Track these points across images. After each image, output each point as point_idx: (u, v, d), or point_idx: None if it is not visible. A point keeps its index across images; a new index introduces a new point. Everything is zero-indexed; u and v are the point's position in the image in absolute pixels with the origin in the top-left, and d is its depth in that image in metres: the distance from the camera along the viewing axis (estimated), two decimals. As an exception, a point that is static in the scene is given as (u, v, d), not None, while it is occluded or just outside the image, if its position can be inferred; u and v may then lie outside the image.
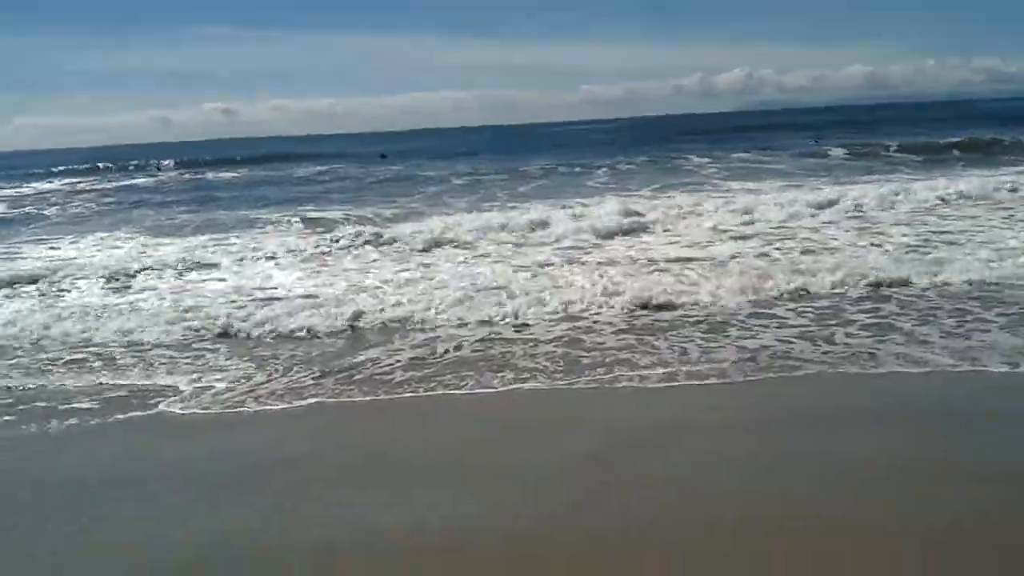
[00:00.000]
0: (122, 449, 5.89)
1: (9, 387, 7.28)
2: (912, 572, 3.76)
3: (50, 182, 39.12)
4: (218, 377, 7.24)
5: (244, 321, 8.89)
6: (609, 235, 14.01)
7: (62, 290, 11.75)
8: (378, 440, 5.79)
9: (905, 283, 9.07)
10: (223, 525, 4.57)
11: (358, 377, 7.02)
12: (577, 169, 29.63)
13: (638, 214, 15.40)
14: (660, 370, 6.72)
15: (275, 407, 6.43)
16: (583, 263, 11.77)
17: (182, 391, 6.90)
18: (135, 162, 54.19)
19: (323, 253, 13.83)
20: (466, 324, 8.50)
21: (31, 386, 7.30)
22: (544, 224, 14.78)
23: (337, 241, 14.47)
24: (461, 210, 19.05)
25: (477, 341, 7.90)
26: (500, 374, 6.86)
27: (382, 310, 9.06)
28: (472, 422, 6.05)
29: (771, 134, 50.13)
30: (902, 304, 8.36)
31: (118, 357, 8.06)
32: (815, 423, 5.59)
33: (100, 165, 53.32)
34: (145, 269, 12.83)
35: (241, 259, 13.50)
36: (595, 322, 8.36)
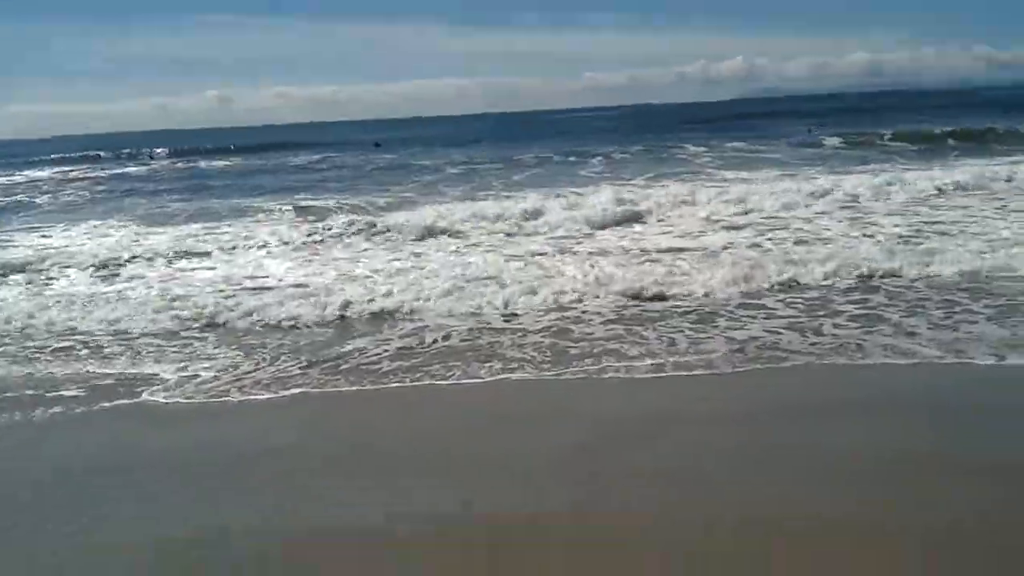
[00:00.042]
0: (105, 437, 5.87)
1: (-6, 375, 7.25)
2: (900, 562, 3.75)
3: (43, 170, 38.97)
4: (204, 366, 7.22)
5: (232, 310, 8.86)
6: (601, 225, 13.98)
7: (51, 278, 11.74)
8: (364, 430, 5.78)
9: (895, 274, 9.05)
10: (207, 513, 4.56)
11: (345, 367, 7.00)
12: (572, 158, 29.54)
13: (631, 204, 15.32)
14: (648, 361, 6.71)
15: (261, 396, 6.41)
16: (575, 253, 11.75)
17: (167, 380, 6.88)
18: (127, 150, 54.06)
19: (314, 242, 13.79)
20: (455, 314, 8.47)
21: (16, 374, 7.27)
22: (537, 214, 14.72)
23: (329, 230, 14.43)
24: (454, 199, 19.00)
25: (466, 331, 7.87)
26: (488, 364, 6.84)
27: (372, 300, 9.03)
28: (459, 412, 6.04)
29: (770, 122, 50.07)
30: (891, 295, 8.34)
31: (104, 346, 8.03)
32: (802, 414, 5.58)
33: (92, 153, 53.17)
34: (135, 258, 12.81)
35: (232, 248, 13.47)
36: (584, 312, 8.33)
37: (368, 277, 10.59)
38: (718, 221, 13.96)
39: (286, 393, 6.44)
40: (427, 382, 6.54)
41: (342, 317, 8.61)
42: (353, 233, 14.10)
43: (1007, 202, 14.17)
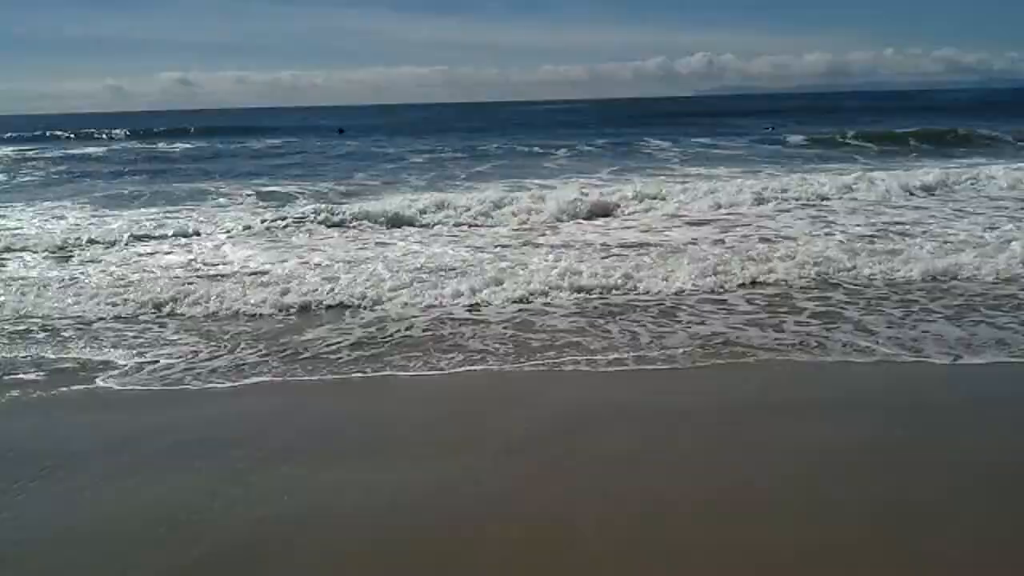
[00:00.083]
0: (51, 423, 5.74)
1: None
2: (850, 549, 3.80)
3: (-4, 149, 38.18)
4: (160, 353, 7.09)
5: (191, 297, 8.70)
6: (565, 218, 13.98)
7: (3, 260, 11.44)
8: (323, 420, 5.70)
9: (855, 273, 9.13)
10: (156, 502, 4.46)
11: (305, 356, 6.91)
12: (537, 149, 29.57)
13: (596, 197, 15.32)
14: (611, 355, 6.70)
15: (218, 385, 6.31)
16: (539, 245, 11.73)
17: (123, 366, 6.75)
18: (86, 130, 53.15)
19: (275, 229, 13.61)
20: (417, 305, 8.40)
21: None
22: (501, 205, 14.66)
23: (290, 217, 14.24)
24: (418, 188, 18.95)
25: (428, 322, 7.82)
26: (449, 355, 6.80)
27: (333, 289, 8.92)
28: (419, 403, 5.99)
29: (732, 119, 50.56)
30: (851, 293, 8.42)
31: (58, 331, 7.84)
32: (761, 409, 5.61)
33: (49, 133, 52.18)
34: (92, 241, 12.54)
35: (191, 233, 13.26)
36: (547, 305, 8.31)
37: (330, 265, 10.47)
38: (681, 217, 14.02)
39: (244, 382, 6.35)
40: (388, 373, 6.48)
41: (303, 306, 8.49)
42: (314, 220, 13.92)
43: (965, 204, 14.39)
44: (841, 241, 11.11)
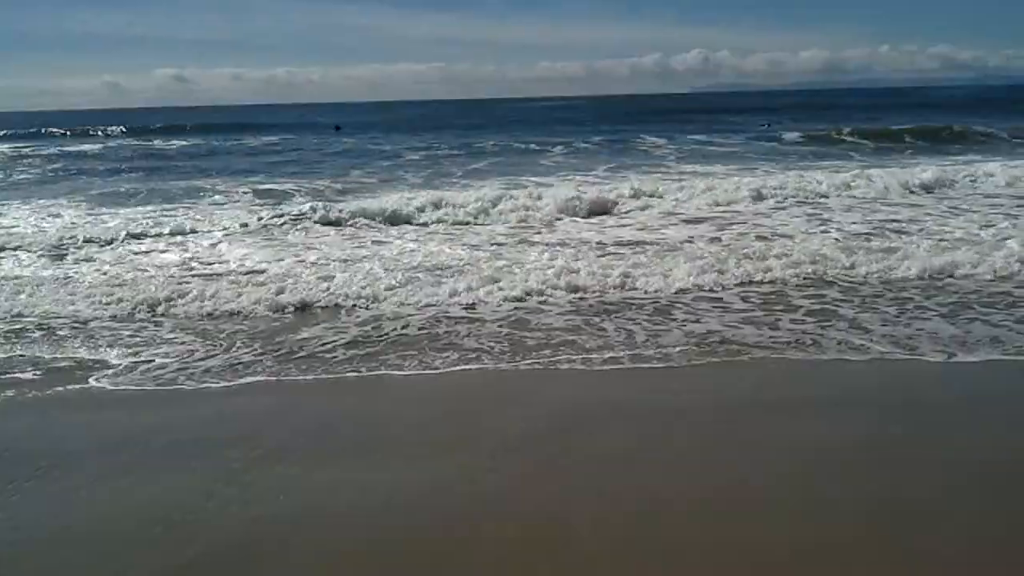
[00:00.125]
0: (44, 423, 5.73)
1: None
2: (848, 546, 3.82)
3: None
4: (155, 352, 7.08)
5: (187, 296, 8.69)
6: (562, 216, 13.96)
7: (-1, 259, 11.42)
8: (318, 419, 5.69)
9: (851, 270, 9.14)
10: (149, 502, 4.45)
11: (300, 355, 6.90)
12: (533, 147, 29.56)
13: (592, 195, 15.31)
14: (606, 353, 6.70)
15: (213, 384, 6.30)
16: (534, 243, 11.72)
17: (117, 365, 6.74)
18: (82, 127, 53.06)
19: (272, 227, 13.59)
20: (413, 303, 8.40)
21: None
22: (497, 203, 14.64)
23: (286, 215, 14.23)
24: (415, 186, 18.95)
25: (424, 320, 7.81)
26: (445, 354, 6.79)
27: (329, 287, 8.92)
28: (414, 402, 5.99)
29: (728, 116, 50.57)
30: (846, 291, 8.43)
31: (53, 330, 7.82)
32: (756, 407, 5.63)
33: (45, 130, 52.07)
34: (88, 239, 12.52)
35: (187, 231, 13.24)
36: (543, 303, 8.31)
37: (326, 264, 10.46)
38: (679, 215, 14.02)
39: (239, 382, 6.34)
40: (383, 372, 6.48)
41: (298, 305, 8.48)
42: (310, 218, 13.90)
43: (962, 201, 14.40)
44: (837, 239, 11.12)
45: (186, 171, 24.98)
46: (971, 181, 16.55)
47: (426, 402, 5.98)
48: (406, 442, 5.23)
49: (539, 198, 14.88)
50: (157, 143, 38.72)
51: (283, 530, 4.14)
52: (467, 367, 6.52)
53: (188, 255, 11.45)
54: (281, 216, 14.16)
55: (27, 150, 34.89)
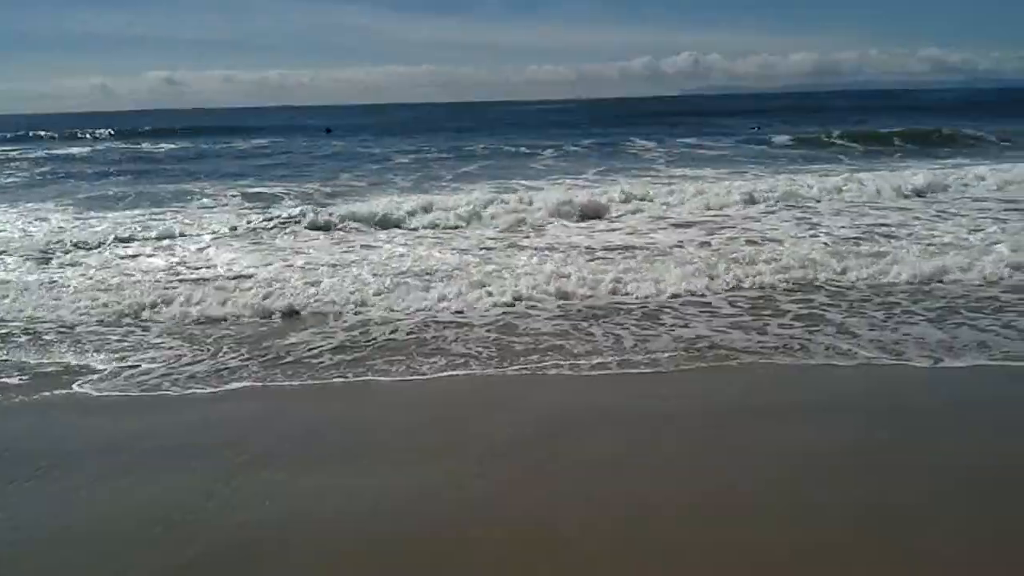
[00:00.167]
0: (24, 429, 5.71)
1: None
2: (836, 552, 3.83)
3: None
4: (141, 357, 7.04)
5: (174, 300, 8.65)
6: (551, 220, 13.94)
7: (-15, 264, 11.35)
8: (303, 424, 5.66)
9: (840, 275, 9.13)
10: (148, 502, 4.43)
11: (287, 361, 6.87)
12: (523, 150, 29.56)
13: (582, 199, 15.28)
14: (594, 359, 6.69)
15: (199, 390, 6.27)
16: (523, 248, 11.71)
17: (102, 371, 6.70)
18: (71, 130, 52.85)
19: (260, 231, 13.55)
20: (401, 308, 8.36)
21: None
22: (487, 207, 14.63)
23: (275, 219, 14.19)
24: (405, 190, 18.93)
25: (412, 325, 7.79)
26: (432, 360, 6.77)
27: (317, 292, 8.89)
28: (401, 408, 5.97)
29: (718, 119, 50.69)
30: (834, 296, 8.44)
31: (37, 335, 7.78)
32: (744, 412, 5.62)
33: (32, 133, 51.83)
34: (75, 243, 12.46)
35: (175, 235, 13.18)
36: (532, 308, 8.29)
37: (314, 268, 10.43)
38: (668, 219, 14.02)
39: (225, 387, 6.31)
40: (371, 377, 6.46)
41: (286, 310, 8.43)
42: (299, 222, 13.86)
43: (950, 205, 14.43)
44: (826, 243, 11.14)
45: (174, 174, 24.91)
46: (963, 185, 16.56)
47: (413, 408, 5.96)
48: (393, 448, 5.22)
49: (530, 203, 14.87)
50: (146, 146, 38.59)
51: (269, 536, 4.13)
52: (455, 372, 6.51)
53: (176, 259, 11.40)
54: (270, 220, 14.12)
55: (14, 153, 34.74)
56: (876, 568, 3.71)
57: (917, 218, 13.19)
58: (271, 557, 3.96)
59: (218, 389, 6.28)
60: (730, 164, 23.30)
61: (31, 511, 4.49)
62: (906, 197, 15.59)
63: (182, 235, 13.19)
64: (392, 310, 8.31)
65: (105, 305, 8.57)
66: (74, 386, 6.37)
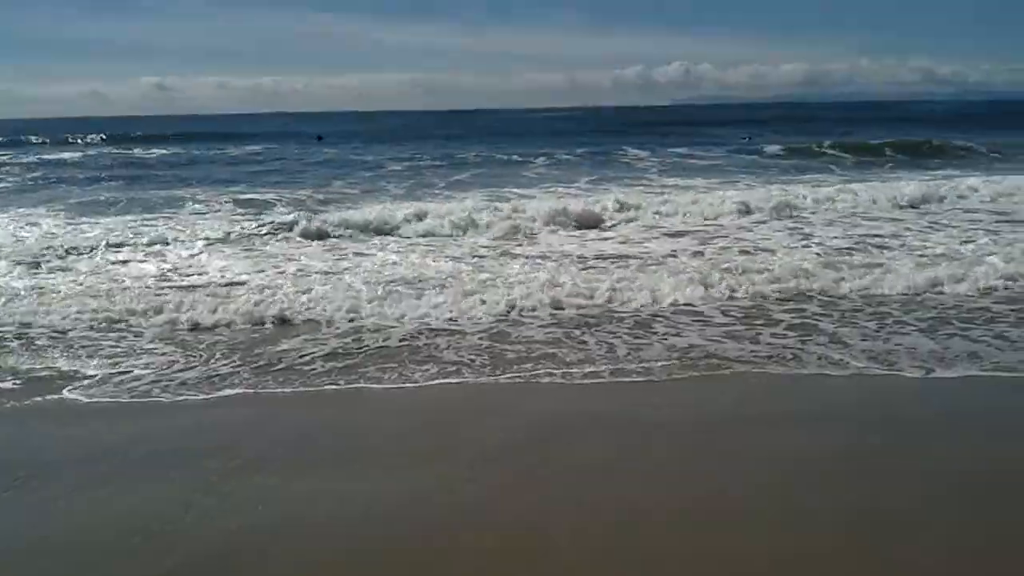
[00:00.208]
0: (24, 433, 5.71)
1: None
2: (826, 558, 3.84)
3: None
4: (134, 364, 7.01)
5: (165, 307, 8.61)
6: (544, 229, 13.94)
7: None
8: (295, 430, 5.66)
9: (832, 285, 9.13)
10: (132, 511, 4.41)
11: (279, 367, 6.85)
12: (516, 158, 29.58)
13: (575, 208, 15.30)
14: (587, 367, 6.69)
15: (190, 397, 6.25)
16: (516, 256, 11.71)
17: (92, 376, 6.67)
18: (62, 135, 52.69)
19: (252, 237, 13.53)
20: (394, 315, 8.35)
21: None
22: (478, 215, 14.62)
23: (267, 225, 14.17)
24: (397, 197, 18.94)
25: (404, 333, 7.78)
26: (424, 367, 6.76)
27: (309, 299, 8.86)
28: (393, 414, 5.98)
29: (709, 129, 50.84)
30: (826, 306, 8.45)
31: (26, 340, 7.73)
32: (737, 421, 5.63)
33: (24, 138, 51.65)
34: (66, 249, 12.40)
35: (167, 241, 13.14)
36: (524, 316, 8.29)
37: (306, 275, 10.42)
38: (661, 228, 14.05)
39: (217, 394, 6.29)
40: (363, 384, 6.44)
41: (277, 317, 8.41)
42: (292, 229, 13.84)
43: (941, 216, 14.51)
44: (818, 254, 11.18)
45: (167, 180, 24.85)
46: (956, 197, 16.63)
47: (405, 414, 5.96)
48: (384, 453, 5.23)
49: (523, 211, 14.87)
50: (137, 151, 38.48)
51: (262, 540, 4.13)
52: (447, 380, 6.50)
53: (167, 265, 11.37)
54: (262, 226, 14.10)
55: (5, 158, 34.56)
56: (868, 573, 3.73)
57: (908, 229, 13.26)
58: (266, 560, 3.96)
59: (209, 396, 6.25)
60: (722, 174, 23.38)
61: (11, 520, 4.47)
62: (899, 208, 15.66)
63: (175, 241, 13.15)
64: (384, 317, 8.30)
65: (96, 311, 8.52)
66: (64, 392, 6.33)
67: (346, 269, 10.83)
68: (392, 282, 9.77)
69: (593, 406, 5.97)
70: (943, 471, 4.76)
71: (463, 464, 4.96)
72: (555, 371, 6.61)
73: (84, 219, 15.80)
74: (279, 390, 6.35)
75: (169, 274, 10.80)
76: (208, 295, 9.15)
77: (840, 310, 8.27)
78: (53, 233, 13.95)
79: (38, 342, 7.67)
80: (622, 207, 15.47)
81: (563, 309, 8.46)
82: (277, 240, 13.31)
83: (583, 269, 10.50)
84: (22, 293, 9.55)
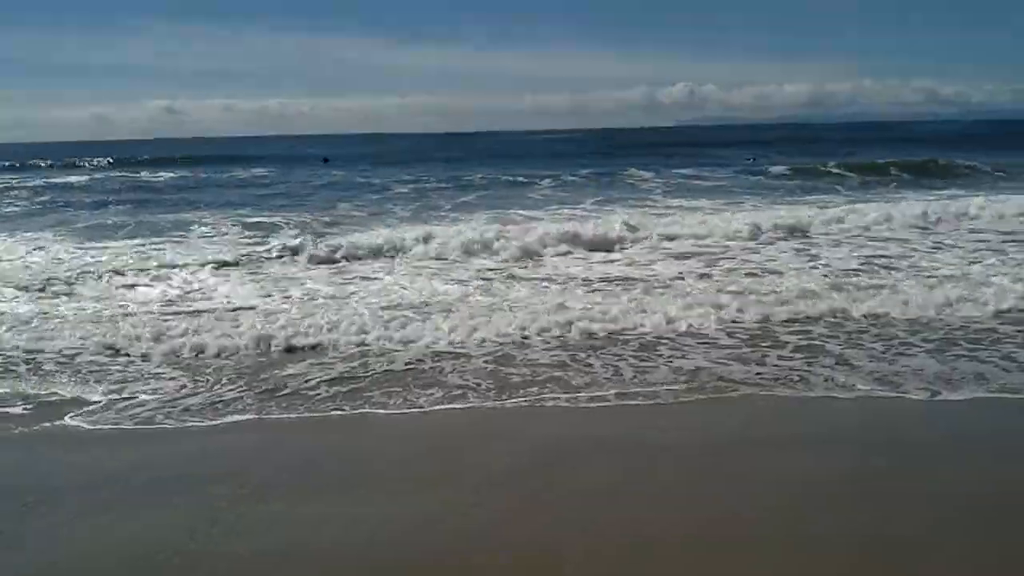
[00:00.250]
0: (32, 459, 5.70)
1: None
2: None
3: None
4: (140, 389, 7.02)
5: (171, 332, 8.63)
6: (549, 251, 13.93)
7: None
8: (301, 456, 5.66)
9: (840, 307, 9.10)
10: (137, 537, 4.40)
11: (285, 393, 6.85)
12: (521, 179, 29.64)
13: (581, 230, 15.29)
14: (593, 390, 6.68)
15: (196, 423, 6.24)
16: (523, 279, 11.71)
17: (95, 403, 6.67)
18: (69, 159, 52.90)
19: (259, 261, 13.56)
20: (399, 339, 8.35)
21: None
22: (486, 237, 14.62)
23: (274, 249, 14.20)
24: (403, 220, 18.97)
25: (409, 357, 7.77)
26: (429, 392, 6.75)
27: (315, 323, 8.86)
28: (398, 440, 5.97)
29: (714, 150, 50.91)
30: (833, 327, 8.43)
31: (28, 366, 7.73)
32: (744, 443, 5.62)
33: (31, 162, 51.86)
34: (72, 274, 12.43)
35: (174, 266, 13.16)
36: (529, 339, 8.27)
37: (313, 299, 10.43)
38: (667, 250, 14.03)
39: (223, 420, 6.28)
40: (368, 410, 6.42)
41: (283, 341, 8.39)
42: (298, 253, 13.86)
43: (946, 236, 14.49)
44: (825, 275, 11.16)
45: (174, 204, 24.94)
46: (962, 216, 16.58)
47: (410, 439, 5.96)
48: (390, 478, 5.21)
49: (528, 233, 14.85)
50: (145, 175, 38.63)
51: (268, 566, 4.12)
52: (452, 405, 6.48)
53: (175, 290, 11.39)
54: (269, 250, 14.14)
55: (13, 182, 34.73)
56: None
57: (915, 249, 13.24)
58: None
59: (215, 422, 6.25)
60: (727, 195, 23.39)
61: (20, 545, 4.46)
62: (907, 228, 15.63)
63: (182, 266, 13.16)
64: (390, 341, 8.30)
65: (103, 336, 8.54)
66: (66, 419, 6.32)
67: (352, 293, 10.84)
68: (398, 306, 9.77)
69: (599, 430, 5.96)
70: (950, 494, 4.74)
71: (469, 489, 4.95)
72: (561, 395, 6.60)
73: (91, 243, 15.82)
74: (284, 416, 6.35)
75: (176, 299, 10.82)
76: (215, 320, 9.16)
77: (847, 331, 8.24)
78: (60, 258, 13.99)
79: (45, 367, 7.69)
80: (629, 228, 15.40)
81: (569, 331, 8.45)
82: (284, 264, 13.33)
83: (589, 291, 10.49)
84: (29, 318, 9.57)
